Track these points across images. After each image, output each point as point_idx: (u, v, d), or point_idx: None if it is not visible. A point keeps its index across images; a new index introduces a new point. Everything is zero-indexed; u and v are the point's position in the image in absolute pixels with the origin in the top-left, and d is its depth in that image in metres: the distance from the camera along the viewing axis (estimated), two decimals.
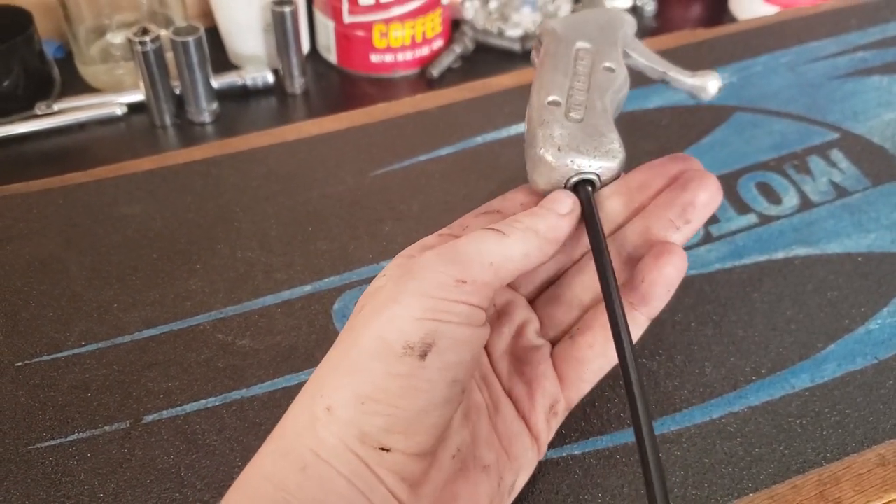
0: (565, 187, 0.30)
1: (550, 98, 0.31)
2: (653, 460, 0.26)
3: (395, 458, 0.26)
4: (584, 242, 0.33)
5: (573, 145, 0.30)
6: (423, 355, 0.26)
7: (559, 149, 0.30)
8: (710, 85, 0.36)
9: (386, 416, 0.25)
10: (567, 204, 0.30)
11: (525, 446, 0.31)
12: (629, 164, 0.47)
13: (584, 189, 0.30)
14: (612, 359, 0.32)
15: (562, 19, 0.36)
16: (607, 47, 0.35)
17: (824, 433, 0.35)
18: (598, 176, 0.30)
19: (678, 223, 0.31)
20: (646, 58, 0.36)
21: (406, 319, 0.26)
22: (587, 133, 0.30)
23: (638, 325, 0.31)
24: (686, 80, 0.36)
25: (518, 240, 0.28)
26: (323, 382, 0.26)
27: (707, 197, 0.31)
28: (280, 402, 0.36)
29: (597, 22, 0.36)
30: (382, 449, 0.25)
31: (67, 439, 0.35)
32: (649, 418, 0.26)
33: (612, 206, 0.33)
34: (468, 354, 0.27)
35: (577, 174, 0.30)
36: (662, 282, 0.30)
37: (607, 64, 0.34)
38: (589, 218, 0.30)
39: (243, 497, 0.26)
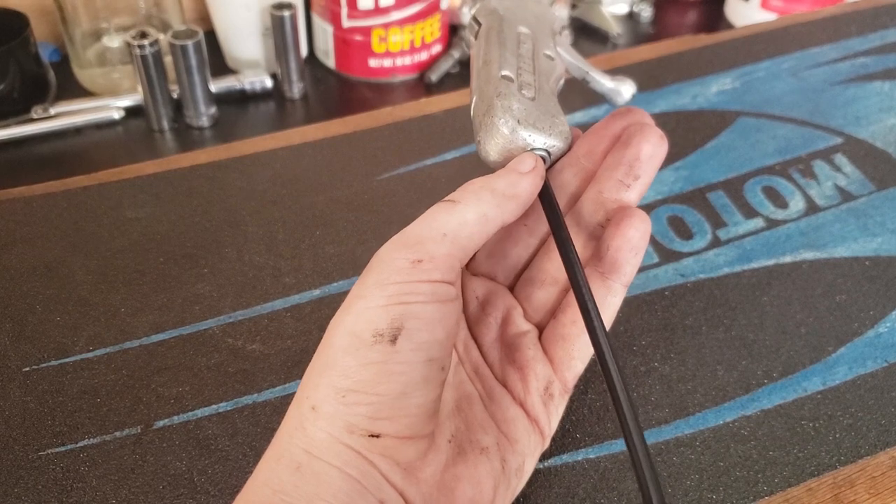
0: None
1: (503, 73, 0.31)
2: (639, 443, 0.26)
3: (385, 442, 0.26)
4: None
5: (530, 120, 0.30)
6: (394, 340, 0.26)
7: (518, 122, 0.29)
8: (624, 90, 0.37)
9: (367, 405, 0.26)
10: (528, 163, 0.29)
11: (525, 430, 0.31)
12: None
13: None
14: None
15: (501, 2, 0.36)
16: (544, 36, 0.35)
17: (837, 436, 0.35)
18: (548, 153, 0.31)
19: (628, 181, 0.31)
20: (571, 55, 0.36)
21: (372, 309, 0.26)
22: (541, 111, 0.30)
23: (614, 294, 0.31)
24: (605, 82, 0.36)
25: (471, 203, 0.27)
26: (306, 384, 0.27)
27: (651, 148, 0.31)
28: None
29: (532, 11, 0.36)
30: (372, 435, 0.26)
31: (78, 445, 0.34)
32: (627, 390, 0.26)
33: (564, 179, 0.33)
34: (441, 332, 0.27)
35: (531, 149, 0.30)
36: (627, 247, 0.30)
37: (547, 52, 0.34)
38: (543, 192, 0.30)
39: None
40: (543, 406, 0.31)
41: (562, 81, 0.35)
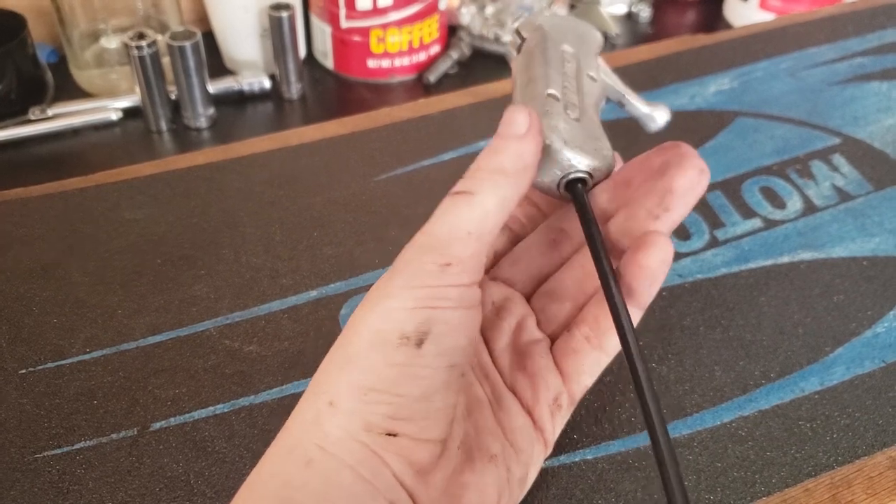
0: (559, 182, 0.30)
1: (549, 91, 0.31)
2: (668, 458, 0.25)
3: (402, 442, 0.26)
4: (575, 239, 0.33)
5: (577, 142, 0.29)
6: (420, 344, 0.25)
7: (565, 142, 0.29)
8: (658, 116, 0.36)
9: (388, 405, 0.25)
10: (522, 122, 0.27)
11: (531, 439, 0.31)
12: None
13: (576, 186, 0.30)
14: (609, 351, 0.31)
15: (546, 19, 0.36)
16: (587, 56, 0.34)
17: (835, 436, 0.35)
18: (591, 175, 0.30)
19: (657, 212, 0.30)
20: (610, 78, 0.36)
21: (400, 311, 0.26)
22: (585, 133, 0.30)
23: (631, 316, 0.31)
24: (641, 107, 0.36)
25: (488, 191, 0.26)
26: (324, 379, 0.27)
27: (687, 182, 0.29)
28: (289, 409, 0.35)
29: (575, 31, 0.36)
30: (389, 434, 0.26)
31: (74, 447, 0.34)
32: (657, 401, 0.26)
33: (598, 201, 0.32)
34: (464, 339, 0.27)
35: (574, 171, 0.29)
36: (643, 274, 0.29)
37: (590, 73, 0.34)
38: (583, 214, 0.29)
39: (250, 496, 0.26)
40: (550, 416, 0.31)
41: (602, 103, 0.34)
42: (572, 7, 0.88)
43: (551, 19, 0.36)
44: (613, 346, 0.31)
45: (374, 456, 0.25)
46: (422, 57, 0.79)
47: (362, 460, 0.25)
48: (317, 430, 0.26)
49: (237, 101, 0.75)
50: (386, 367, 0.26)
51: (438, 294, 0.26)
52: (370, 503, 0.25)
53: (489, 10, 0.81)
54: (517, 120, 0.27)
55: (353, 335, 0.26)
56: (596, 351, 0.31)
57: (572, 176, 0.29)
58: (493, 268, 0.35)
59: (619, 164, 0.34)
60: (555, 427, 0.32)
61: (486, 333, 0.33)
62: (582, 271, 0.32)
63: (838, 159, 0.49)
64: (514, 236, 0.35)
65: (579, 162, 0.29)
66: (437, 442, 0.27)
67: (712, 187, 0.47)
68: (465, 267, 0.26)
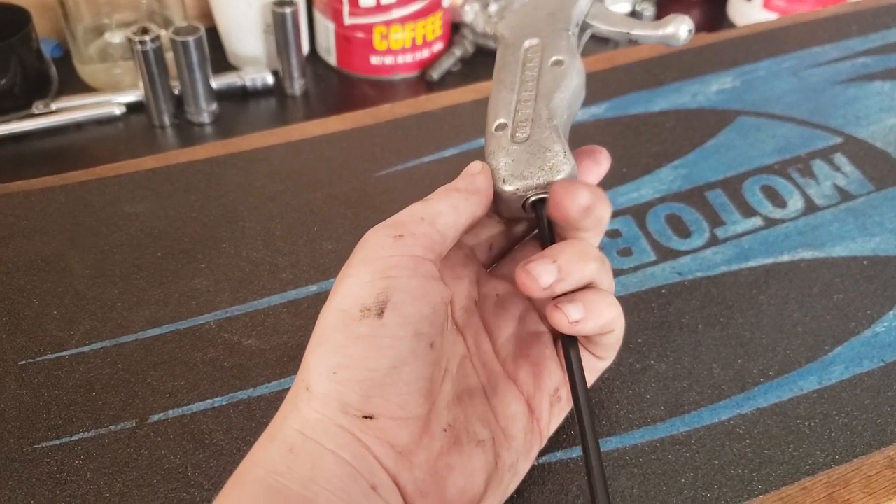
0: (524, 206, 0.32)
1: (497, 122, 0.33)
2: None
3: (380, 424, 0.26)
4: None
5: (517, 173, 0.31)
6: (381, 313, 0.27)
7: (504, 181, 0.31)
8: (681, 30, 0.34)
9: (360, 382, 0.26)
10: (476, 166, 0.32)
11: (524, 428, 0.31)
12: (632, 167, 0.47)
13: (538, 207, 0.31)
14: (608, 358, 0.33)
15: (510, 17, 0.36)
16: (556, 38, 0.34)
17: (833, 435, 0.35)
18: (547, 194, 0.31)
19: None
20: (608, 24, 0.35)
21: (358, 286, 0.27)
22: (532, 152, 0.31)
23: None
24: (654, 33, 0.34)
25: (441, 198, 0.30)
26: (301, 367, 0.28)
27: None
28: None
29: (546, 8, 0.36)
30: (366, 417, 0.26)
31: (73, 438, 0.34)
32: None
33: None
34: (426, 307, 0.28)
35: (526, 198, 0.31)
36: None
37: (556, 57, 0.34)
38: (542, 234, 0.31)
39: (237, 485, 0.26)
40: (549, 406, 0.32)
41: (577, 80, 0.33)
42: None
43: (515, 16, 0.36)
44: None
45: (354, 440, 0.26)
46: (425, 54, 0.79)
47: (343, 445, 0.26)
48: (297, 416, 0.27)
49: (240, 97, 0.76)
50: (351, 342, 0.27)
51: (393, 263, 0.28)
52: (353, 486, 0.25)
53: (492, 7, 0.81)
54: (473, 165, 0.32)
55: (321, 319, 0.28)
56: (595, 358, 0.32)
57: (532, 199, 0.31)
58: (492, 266, 0.35)
59: (602, 153, 0.34)
60: (552, 418, 0.32)
61: (491, 323, 0.33)
62: None
63: (840, 159, 0.49)
64: (513, 238, 0.35)
65: (525, 191, 0.31)
66: (415, 419, 0.27)
67: (713, 186, 0.47)
68: (418, 241, 0.28)
